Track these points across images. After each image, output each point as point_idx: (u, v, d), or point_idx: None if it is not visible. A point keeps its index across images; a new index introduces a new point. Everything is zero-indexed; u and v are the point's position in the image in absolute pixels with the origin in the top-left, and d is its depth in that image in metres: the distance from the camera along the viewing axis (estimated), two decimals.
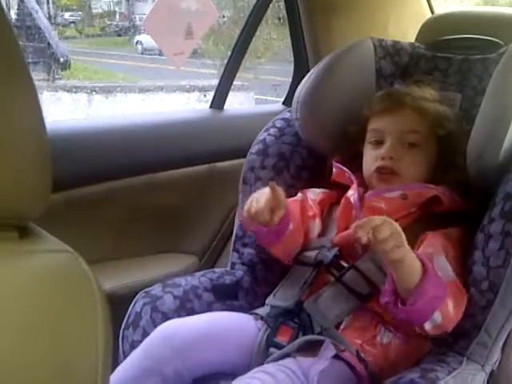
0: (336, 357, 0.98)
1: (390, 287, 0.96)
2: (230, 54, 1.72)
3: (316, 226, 1.18)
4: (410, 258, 0.93)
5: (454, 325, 0.97)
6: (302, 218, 1.17)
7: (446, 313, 0.95)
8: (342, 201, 1.17)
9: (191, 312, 1.12)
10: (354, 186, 1.16)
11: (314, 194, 1.24)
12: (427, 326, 0.95)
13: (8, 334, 0.43)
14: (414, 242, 1.07)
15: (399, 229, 0.92)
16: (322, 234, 1.19)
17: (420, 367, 0.95)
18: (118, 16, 3.59)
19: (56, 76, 2.43)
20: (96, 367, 0.45)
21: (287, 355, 1.00)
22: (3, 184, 0.49)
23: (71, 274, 0.49)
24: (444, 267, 1.00)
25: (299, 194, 1.24)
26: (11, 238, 0.51)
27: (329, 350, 0.98)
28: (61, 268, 0.49)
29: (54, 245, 0.52)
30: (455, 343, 1.00)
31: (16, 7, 2.33)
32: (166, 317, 1.08)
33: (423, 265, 0.94)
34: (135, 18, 3.43)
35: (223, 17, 2.55)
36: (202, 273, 1.21)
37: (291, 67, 1.81)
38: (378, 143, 1.16)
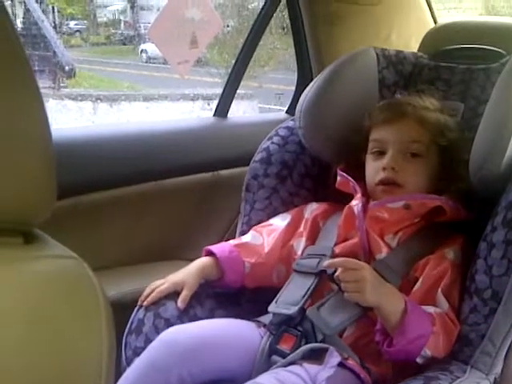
0: (340, 364, 0.98)
1: (379, 326, 1.00)
2: (234, 62, 1.73)
3: (301, 243, 1.21)
4: (384, 303, 0.97)
5: (444, 355, 0.99)
6: (283, 240, 1.22)
7: (436, 346, 0.97)
8: (346, 210, 1.17)
9: (194, 318, 1.12)
10: (359, 195, 1.16)
11: (311, 212, 1.25)
12: (418, 360, 0.98)
13: (12, 338, 0.43)
14: (418, 253, 1.08)
15: (367, 278, 0.97)
16: (319, 241, 1.20)
17: (423, 375, 0.95)
18: (122, 25, 3.60)
19: (61, 84, 2.44)
20: (99, 372, 0.45)
21: (292, 363, 1.00)
22: (9, 190, 0.49)
23: (76, 280, 0.49)
24: (439, 299, 1.03)
25: (292, 213, 1.26)
26: (16, 243, 0.51)
27: (334, 358, 0.98)
28: (65, 273, 0.49)
29: (59, 250, 0.52)
30: (459, 352, 0.99)
31: (22, 16, 2.35)
32: (169, 323, 1.08)
33: (405, 305, 0.97)
34: (140, 26, 3.44)
35: (227, 26, 2.56)
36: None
37: (295, 76, 1.82)
38: (380, 154, 1.16)
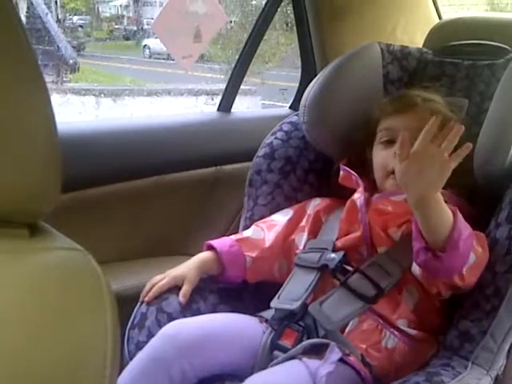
0: (341, 360, 0.98)
1: (420, 245, 0.96)
2: (237, 57, 1.73)
3: (303, 238, 1.21)
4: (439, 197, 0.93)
5: (484, 264, 0.96)
6: (285, 234, 1.21)
7: (477, 250, 0.95)
8: (348, 203, 1.17)
9: (196, 313, 1.12)
10: (361, 189, 1.16)
11: (313, 207, 1.25)
12: (465, 270, 0.94)
13: (18, 330, 0.43)
14: None
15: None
16: (321, 235, 1.20)
17: (425, 371, 0.95)
18: (125, 20, 3.60)
19: (64, 79, 2.43)
20: (104, 363, 0.45)
21: (292, 358, 1.00)
22: (14, 182, 0.49)
23: (81, 272, 0.49)
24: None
25: (295, 208, 1.26)
26: (22, 235, 0.51)
27: (334, 353, 0.98)
28: (70, 265, 0.49)
29: (64, 242, 0.52)
30: (460, 347, 0.99)
31: (25, 10, 2.34)
32: (172, 318, 1.09)
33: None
34: (143, 22, 3.44)
35: (230, 22, 2.55)
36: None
37: (297, 73, 1.81)
38: (390, 142, 1.15)
